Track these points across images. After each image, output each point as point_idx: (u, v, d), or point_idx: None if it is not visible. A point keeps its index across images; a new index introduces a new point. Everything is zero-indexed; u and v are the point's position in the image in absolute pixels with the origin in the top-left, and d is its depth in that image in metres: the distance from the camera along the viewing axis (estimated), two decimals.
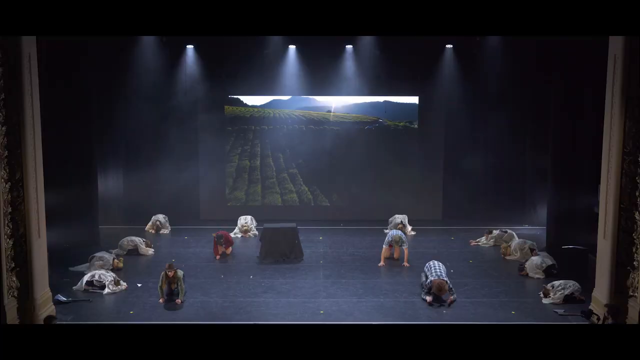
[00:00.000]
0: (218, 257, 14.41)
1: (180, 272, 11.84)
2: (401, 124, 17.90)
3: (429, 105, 17.73)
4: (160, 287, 11.73)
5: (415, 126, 17.83)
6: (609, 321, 8.93)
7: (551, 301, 11.63)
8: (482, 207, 17.57)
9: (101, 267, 13.02)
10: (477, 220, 17.13)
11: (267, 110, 17.91)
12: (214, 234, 14.70)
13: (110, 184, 17.33)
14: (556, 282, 11.94)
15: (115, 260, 13.58)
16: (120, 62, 16.57)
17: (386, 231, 15.41)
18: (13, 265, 10.07)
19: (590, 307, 10.88)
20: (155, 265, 13.99)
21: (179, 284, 11.71)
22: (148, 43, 16.40)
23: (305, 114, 17.93)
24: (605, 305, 8.74)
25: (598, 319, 8.25)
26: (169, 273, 11.68)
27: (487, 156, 17.59)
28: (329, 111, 17.89)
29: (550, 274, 13.01)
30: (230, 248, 14.81)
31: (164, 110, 17.31)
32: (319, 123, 17.97)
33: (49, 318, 10.00)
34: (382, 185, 17.67)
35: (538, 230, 16.51)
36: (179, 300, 11.61)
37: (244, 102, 17.89)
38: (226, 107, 17.84)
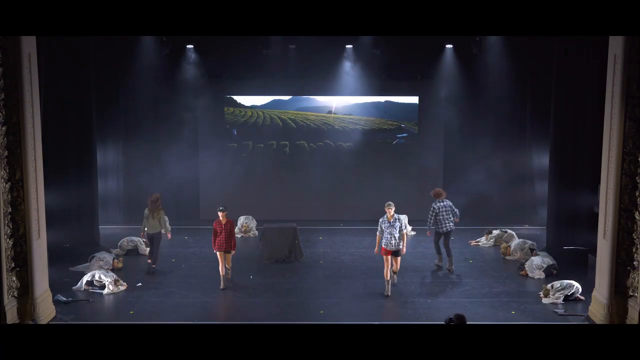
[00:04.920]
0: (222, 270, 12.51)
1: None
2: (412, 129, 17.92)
3: (429, 105, 17.74)
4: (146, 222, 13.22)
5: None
6: None
7: (551, 301, 11.63)
8: (482, 207, 17.56)
9: (101, 267, 13.03)
10: (477, 220, 17.12)
11: (268, 113, 17.85)
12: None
13: (110, 184, 17.34)
14: (556, 282, 11.94)
15: (115, 260, 13.59)
16: (120, 64, 16.59)
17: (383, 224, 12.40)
18: (13, 265, 10.08)
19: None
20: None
21: (161, 216, 13.25)
22: (148, 44, 16.41)
23: (306, 117, 17.89)
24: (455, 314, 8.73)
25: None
26: (151, 204, 13.16)
27: (486, 156, 17.59)
28: (330, 111, 17.88)
29: (550, 274, 13.01)
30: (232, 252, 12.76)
31: (164, 111, 17.33)
32: (325, 134, 17.82)
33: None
34: (382, 184, 17.65)
35: (538, 230, 16.52)
36: (169, 235, 13.52)
37: (244, 102, 17.89)
38: (226, 107, 17.85)
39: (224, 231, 12.39)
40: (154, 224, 13.23)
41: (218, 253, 12.46)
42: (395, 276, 12.42)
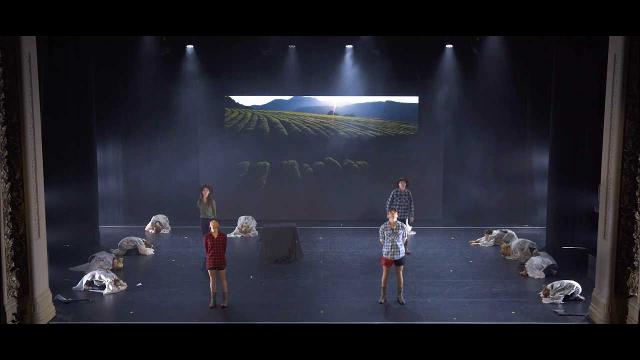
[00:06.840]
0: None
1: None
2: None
3: (429, 105, 17.73)
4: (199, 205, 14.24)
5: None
6: None
7: (551, 301, 11.63)
8: (481, 207, 17.55)
9: (101, 267, 13.02)
10: (477, 220, 17.12)
11: (257, 114, 17.77)
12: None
13: (110, 184, 17.34)
14: (556, 282, 11.94)
15: (115, 260, 13.59)
16: (120, 63, 16.60)
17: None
18: (13, 265, 10.09)
19: (590, 307, 10.90)
20: (155, 265, 14.03)
21: (212, 206, 14.15)
22: (148, 44, 16.41)
23: (303, 120, 17.86)
24: None
25: None
26: (204, 193, 14.11)
27: (486, 156, 17.59)
28: (331, 112, 17.85)
29: (550, 274, 13.01)
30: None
31: (164, 110, 17.34)
32: (327, 145, 17.69)
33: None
34: (382, 184, 17.63)
35: (538, 230, 16.52)
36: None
37: (245, 102, 17.86)
38: (227, 108, 17.83)
39: (214, 247, 11.21)
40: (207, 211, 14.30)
41: (210, 271, 11.38)
42: (401, 296, 11.46)
